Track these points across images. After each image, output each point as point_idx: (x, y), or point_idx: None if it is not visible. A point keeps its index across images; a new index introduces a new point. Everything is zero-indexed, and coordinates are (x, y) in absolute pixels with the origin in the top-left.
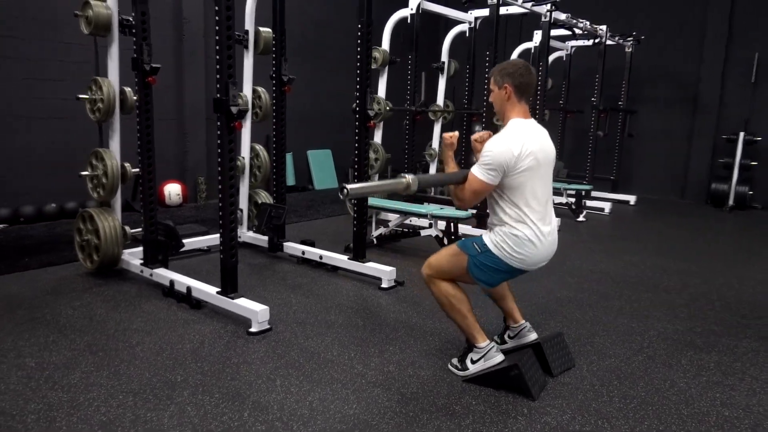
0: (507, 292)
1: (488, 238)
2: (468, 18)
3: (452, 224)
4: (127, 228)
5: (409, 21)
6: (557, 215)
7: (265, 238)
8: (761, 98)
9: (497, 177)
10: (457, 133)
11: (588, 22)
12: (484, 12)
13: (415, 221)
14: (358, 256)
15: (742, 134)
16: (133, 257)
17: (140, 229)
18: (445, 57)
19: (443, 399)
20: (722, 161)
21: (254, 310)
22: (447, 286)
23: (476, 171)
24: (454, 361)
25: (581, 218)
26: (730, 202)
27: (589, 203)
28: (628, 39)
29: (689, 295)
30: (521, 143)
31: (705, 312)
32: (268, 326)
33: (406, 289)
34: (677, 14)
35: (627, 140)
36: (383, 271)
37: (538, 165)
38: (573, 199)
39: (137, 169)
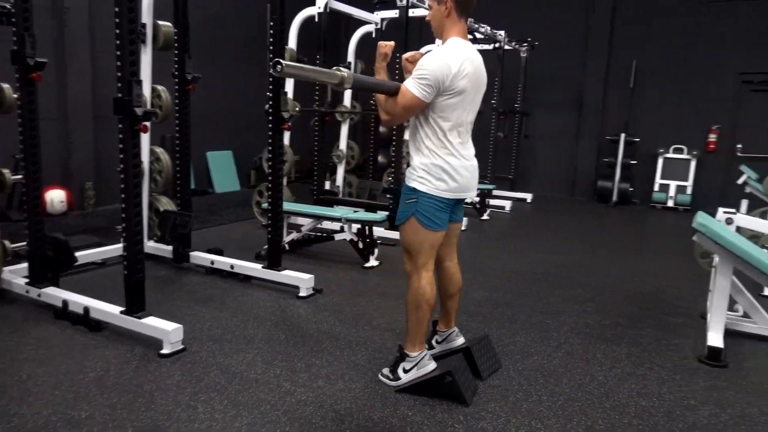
0: (456, 294)
1: (411, 179)
2: (374, 19)
3: (367, 227)
4: (6, 242)
5: (316, 20)
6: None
7: (169, 248)
8: (639, 102)
9: (431, 94)
10: (392, 42)
11: (489, 27)
12: (391, 13)
13: (328, 225)
14: (274, 264)
15: (623, 135)
16: (15, 276)
17: (23, 244)
18: (351, 57)
19: (378, 412)
20: (606, 160)
21: (165, 329)
22: (428, 290)
23: (410, 85)
24: (385, 371)
25: (485, 217)
26: (614, 198)
27: (491, 202)
28: (524, 44)
29: (593, 289)
30: (460, 61)
31: (609, 305)
32: (182, 346)
33: (325, 296)
34: (565, 23)
35: (523, 141)
36: (301, 279)
37: (471, 88)
38: (477, 199)
39: (19, 176)
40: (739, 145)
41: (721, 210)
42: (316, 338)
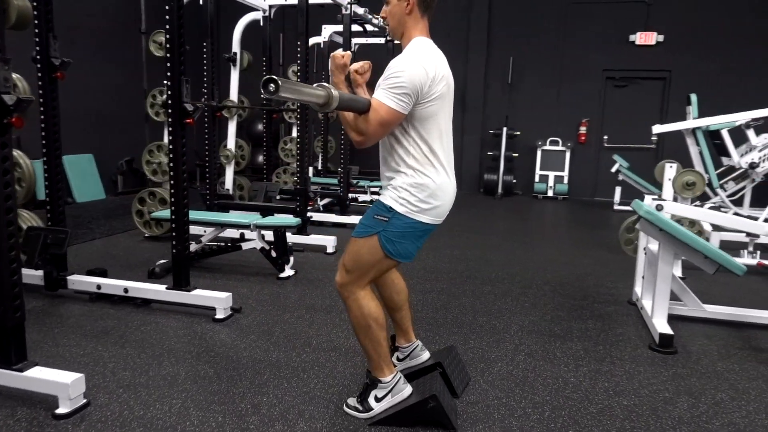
0: (405, 303)
1: (389, 197)
2: (262, 6)
3: (280, 233)
4: None
5: (201, 3)
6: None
7: (39, 273)
8: (517, 97)
9: (409, 104)
10: (349, 53)
11: (381, 19)
12: (280, 0)
13: (228, 233)
14: (181, 283)
15: (504, 129)
16: None
17: None
18: (236, 47)
19: None
20: (490, 154)
21: (61, 381)
22: (373, 307)
23: (383, 97)
24: (352, 402)
25: None
26: (500, 190)
27: None
28: None
29: (519, 283)
30: (434, 63)
31: (542, 299)
32: (84, 401)
33: (246, 316)
34: (446, 20)
35: None
36: (217, 299)
37: (448, 92)
38: (377, 197)
39: None
40: (605, 137)
41: (649, 197)
42: (254, 369)
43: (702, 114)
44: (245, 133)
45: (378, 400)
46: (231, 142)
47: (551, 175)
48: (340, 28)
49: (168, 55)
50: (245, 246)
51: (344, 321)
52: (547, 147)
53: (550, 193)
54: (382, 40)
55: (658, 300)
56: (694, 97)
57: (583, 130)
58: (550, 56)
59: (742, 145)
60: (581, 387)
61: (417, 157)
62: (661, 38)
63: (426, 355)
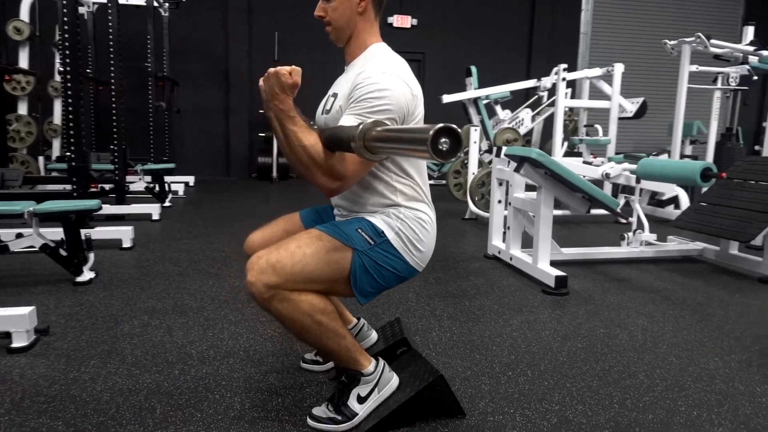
0: None
1: (382, 221)
2: None
3: (71, 222)
4: None
5: None
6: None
7: None
8: None
9: None
10: (299, 69)
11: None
12: None
13: None
14: None
15: None
16: None
17: None
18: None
19: None
20: (263, 135)
21: None
22: (311, 299)
23: None
24: (322, 412)
25: (167, 203)
26: (275, 174)
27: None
28: (166, 1)
29: None
30: (413, 79)
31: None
32: None
33: (58, 338)
34: None
35: (175, 116)
36: (14, 318)
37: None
38: (150, 181)
39: None
40: None
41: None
42: (128, 410)
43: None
44: None
45: (362, 400)
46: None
47: None
48: None
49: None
50: (14, 247)
51: (220, 318)
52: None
53: None
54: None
55: (542, 245)
56: (474, 69)
57: None
58: (315, 33)
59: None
60: (536, 343)
61: (405, 191)
62: (415, 22)
63: (374, 334)
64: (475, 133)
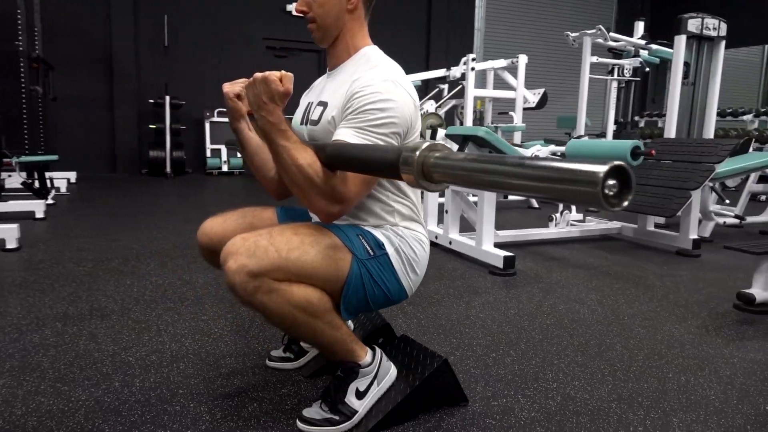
0: None
1: (382, 234)
2: None
3: None
4: None
5: None
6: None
7: None
8: (176, 62)
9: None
10: (291, 75)
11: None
12: None
13: None
14: None
15: (167, 98)
16: None
17: None
18: None
19: None
20: (154, 127)
21: None
22: (305, 291)
23: (365, 140)
24: (315, 413)
25: (50, 200)
26: (168, 169)
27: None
28: None
29: None
30: (413, 89)
31: None
32: None
33: None
34: None
35: (51, 105)
36: None
37: None
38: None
39: None
40: None
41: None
42: None
43: None
44: None
45: (361, 395)
46: None
47: (224, 149)
48: None
49: None
50: None
51: (153, 320)
52: (216, 118)
53: (225, 168)
54: None
55: (486, 227)
56: None
57: None
58: (207, 19)
59: None
60: (491, 317)
61: (402, 211)
62: None
63: (350, 323)
64: None
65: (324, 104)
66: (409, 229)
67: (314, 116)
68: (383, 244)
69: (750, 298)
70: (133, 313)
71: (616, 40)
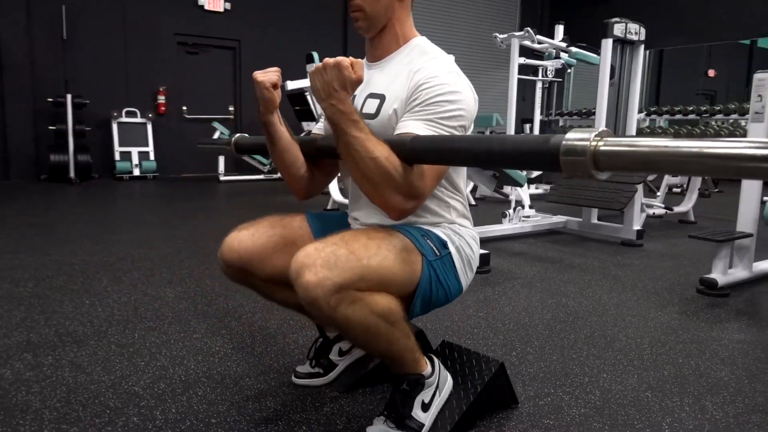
0: None
1: (442, 233)
2: None
3: None
4: None
5: None
6: None
7: None
8: (76, 56)
9: None
10: (361, 61)
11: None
12: None
13: None
14: None
15: (69, 97)
16: None
17: None
18: None
19: None
20: (54, 128)
21: None
22: (386, 299)
23: (438, 133)
24: (383, 430)
25: None
26: (72, 174)
27: None
28: None
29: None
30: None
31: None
32: None
33: None
34: None
35: None
36: None
37: None
38: None
39: None
40: (184, 107)
41: None
42: None
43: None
44: None
45: (426, 407)
46: None
47: (134, 151)
48: None
49: None
50: None
51: (137, 342)
52: (124, 119)
53: (136, 172)
54: None
55: None
56: (316, 56)
57: (161, 99)
58: (111, 12)
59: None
60: (492, 316)
61: (457, 208)
62: (228, 6)
63: None
64: None
65: (380, 96)
66: (464, 226)
67: (369, 109)
68: (447, 243)
69: (713, 283)
70: (111, 336)
71: (540, 42)
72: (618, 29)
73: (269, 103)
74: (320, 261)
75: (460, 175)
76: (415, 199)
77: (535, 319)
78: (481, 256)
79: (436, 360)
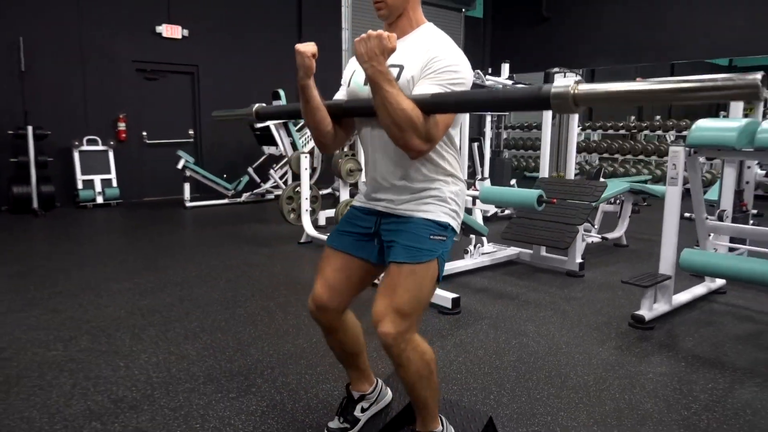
0: (363, 342)
1: (441, 213)
2: None
3: None
4: None
5: None
6: None
7: None
8: (36, 87)
9: None
10: (392, 33)
11: None
12: None
13: None
14: None
15: (30, 128)
16: None
17: None
18: None
19: None
20: (15, 160)
21: None
22: (427, 346)
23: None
24: None
25: None
26: (36, 205)
27: None
28: None
29: (226, 290)
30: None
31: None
32: None
33: None
34: None
35: None
36: None
37: None
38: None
39: None
40: (144, 133)
41: None
42: None
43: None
44: None
45: None
46: None
47: (97, 179)
48: None
49: None
50: None
51: (182, 405)
52: (86, 147)
53: (100, 200)
54: None
55: None
56: (282, 93)
57: (122, 126)
58: (69, 42)
59: None
60: (470, 360)
61: (451, 162)
62: (186, 33)
63: (389, 392)
64: (305, 161)
65: (399, 66)
66: (457, 179)
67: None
68: (448, 224)
69: (641, 319)
70: (159, 400)
71: (490, 80)
72: (558, 78)
73: (309, 69)
74: (390, 311)
75: (455, 136)
76: (430, 143)
77: (504, 362)
78: (454, 300)
79: (443, 418)
